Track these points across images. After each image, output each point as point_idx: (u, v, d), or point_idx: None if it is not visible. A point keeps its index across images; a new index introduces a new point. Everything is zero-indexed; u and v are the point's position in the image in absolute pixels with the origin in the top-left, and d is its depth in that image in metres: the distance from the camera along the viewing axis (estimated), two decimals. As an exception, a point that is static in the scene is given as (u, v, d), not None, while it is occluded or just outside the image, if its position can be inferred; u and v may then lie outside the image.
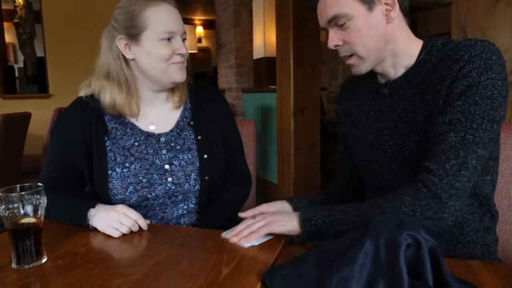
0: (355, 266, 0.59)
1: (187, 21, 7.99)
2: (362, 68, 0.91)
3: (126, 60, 1.07)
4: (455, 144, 0.77)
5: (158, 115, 1.14)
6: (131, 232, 0.94)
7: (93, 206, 0.97)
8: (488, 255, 0.90)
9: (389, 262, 0.58)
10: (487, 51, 0.79)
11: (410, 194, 0.79)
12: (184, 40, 1.08)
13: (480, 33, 1.51)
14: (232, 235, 0.85)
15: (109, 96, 1.07)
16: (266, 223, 0.85)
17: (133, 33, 1.02)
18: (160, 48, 1.03)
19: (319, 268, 0.64)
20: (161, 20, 1.02)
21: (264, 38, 4.16)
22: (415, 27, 4.33)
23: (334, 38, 0.89)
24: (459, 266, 0.73)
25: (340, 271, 0.60)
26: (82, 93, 1.11)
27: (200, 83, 1.22)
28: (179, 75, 1.07)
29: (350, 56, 0.90)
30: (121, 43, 1.04)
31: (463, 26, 1.57)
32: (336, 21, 0.87)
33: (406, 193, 0.79)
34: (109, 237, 0.92)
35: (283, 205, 1.05)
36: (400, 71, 0.91)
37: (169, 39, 1.03)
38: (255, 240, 0.83)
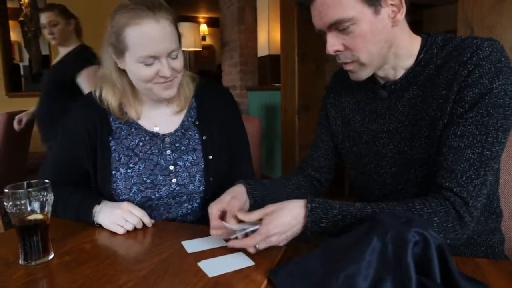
0: (361, 263, 0.59)
1: (191, 19, 7.98)
2: (363, 74, 0.85)
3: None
4: (474, 162, 0.74)
5: (161, 117, 1.12)
6: (136, 228, 0.94)
7: (98, 203, 0.98)
8: (492, 255, 0.89)
9: (396, 259, 0.58)
10: (496, 52, 0.75)
11: (439, 214, 0.74)
12: (175, 57, 0.99)
13: (487, 30, 1.50)
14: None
15: (104, 96, 1.06)
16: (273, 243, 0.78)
17: (118, 50, 0.98)
18: (141, 70, 0.97)
19: (325, 265, 0.64)
20: (140, 43, 0.94)
21: (269, 36, 4.15)
22: (421, 25, 4.28)
23: (334, 43, 0.81)
24: (467, 264, 0.73)
25: (346, 268, 0.60)
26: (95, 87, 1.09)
27: (206, 81, 1.20)
28: (165, 93, 1.02)
29: (351, 62, 0.84)
30: (111, 53, 1.01)
31: (469, 24, 1.56)
32: (338, 26, 0.78)
33: (435, 213, 0.74)
34: (115, 233, 0.93)
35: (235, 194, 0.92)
36: (400, 72, 0.86)
37: (150, 62, 0.96)
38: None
